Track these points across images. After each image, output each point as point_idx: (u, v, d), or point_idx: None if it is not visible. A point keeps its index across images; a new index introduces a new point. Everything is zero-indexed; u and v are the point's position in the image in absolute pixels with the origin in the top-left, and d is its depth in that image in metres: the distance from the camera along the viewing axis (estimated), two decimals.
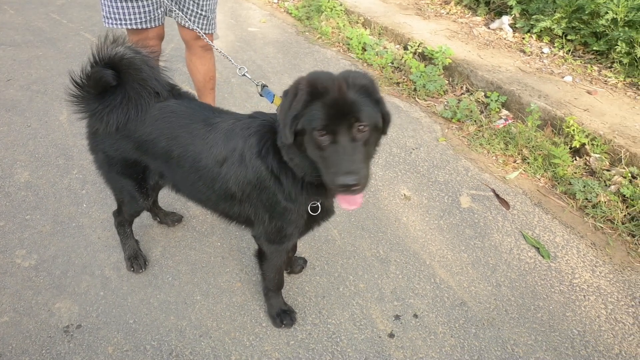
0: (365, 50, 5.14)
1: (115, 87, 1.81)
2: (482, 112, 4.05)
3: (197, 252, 2.51)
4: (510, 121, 3.82)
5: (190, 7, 2.63)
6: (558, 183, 3.19)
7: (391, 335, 2.16)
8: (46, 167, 3.08)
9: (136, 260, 2.37)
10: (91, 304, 2.22)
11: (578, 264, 2.59)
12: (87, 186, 2.93)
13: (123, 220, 2.33)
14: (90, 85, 1.82)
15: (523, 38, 4.91)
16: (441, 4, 6.02)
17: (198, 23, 2.70)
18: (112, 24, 2.52)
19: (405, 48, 4.95)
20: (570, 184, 3.12)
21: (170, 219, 2.64)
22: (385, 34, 5.38)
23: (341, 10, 5.90)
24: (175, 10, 2.49)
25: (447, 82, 4.50)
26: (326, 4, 5.95)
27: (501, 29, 5.18)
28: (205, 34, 2.79)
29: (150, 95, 1.83)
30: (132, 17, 2.51)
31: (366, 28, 5.61)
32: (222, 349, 2.05)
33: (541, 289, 2.43)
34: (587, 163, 3.31)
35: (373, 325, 2.20)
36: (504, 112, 3.99)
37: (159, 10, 2.58)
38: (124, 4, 2.46)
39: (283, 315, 2.15)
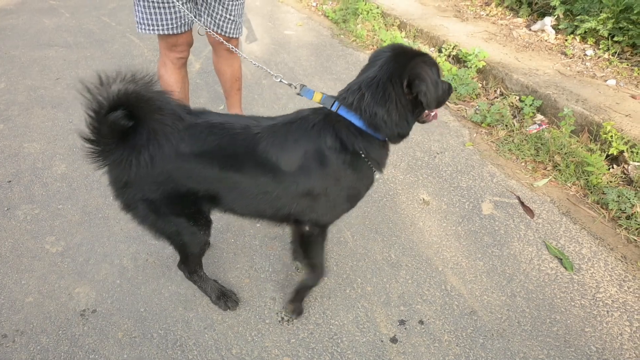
0: None
1: (133, 127, 1.60)
2: (514, 116, 3.90)
3: (211, 248, 2.58)
4: (544, 126, 3.65)
5: (219, 12, 2.71)
6: (590, 192, 3.02)
7: (394, 340, 2.12)
8: (82, 160, 3.27)
9: (227, 297, 2.24)
10: (107, 290, 2.33)
11: (604, 277, 2.44)
12: None
13: (193, 267, 2.16)
14: (105, 135, 1.58)
15: (566, 40, 4.68)
16: (482, 5, 5.86)
17: (226, 27, 2.77)
18: (145, 29, 2.61)
19: (440, 51, 4.85)
20: (603, 193, 2.94)
21: None
22: (421, 36, 5.30)
23: (377, 13, 5.87)
24: (197, 21, 2.54)
25: (480, 85, 4.37)
26: (363, 6, 5.95)
27: (543, 31, 4.97)
28: (231, 37, 2.86)
29: (174, 121, 1.66)
30: (164, 22, 2.59)
31: (402, 31, 5.55)
32: (224, 342, 2.10)
33: (560, 302, 2.31)
34: (625, 172, 3.11)
35: (376, 329, 2.17)
36: (539, 117, 3.82)
37: (188, 17, 2.67)
38: (156, 10, 2.54)
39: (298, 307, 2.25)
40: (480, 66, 4.33)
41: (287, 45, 5.48)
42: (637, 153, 3.08)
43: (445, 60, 4.64)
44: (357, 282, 2.41)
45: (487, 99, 4.22)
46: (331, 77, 4.69)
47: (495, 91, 4.26)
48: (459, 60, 4.61)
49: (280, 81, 2.20)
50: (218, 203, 1.88)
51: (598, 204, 2.94)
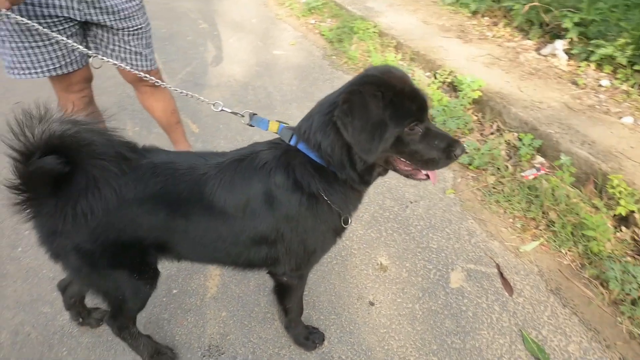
0: None
1: (70, 172, 1.38)
2: (510, 157, 3.35)
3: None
4: (543, 172, 3.09)
5: (118, 44, 2.30)
6: (589, 263, 2.45)
7: None
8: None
9: (162, 355, 1.96)
10: None
11: None
12: None
13: (124, 322, 1.86)
14: (36, 184, 1.37)
15: (578, 67, 4.09)
16: (489, 25, 5.31)
17: (131, 60, 2.38)
18: (20, 74, 2.16)
19: (435, 77, 4.35)
20: (606, 266, 2.37)
21: (94, 317, 2.14)
22: (417, 59, 4.80)
23: (374, 32, 5.41)
24: (93, 54, 2.05)
25: (475, 118, 3.84)
26: (359, 25, 5.51)
27: (554, 55, 4.38)
28: (143, 71, 2.45)
29: (119, 164, 1.46)
30: (44, 63, 2.16)
31: (398, 52, 5.07)
32: None
33: None
34: (636, 237, 2.52)
35: None
36: (539, 159, 3.26)
37: (75, 52, 2.24)
38: (29, 50, 2.11)
39: (312, 337, 2.07)
40: (476, 96, 3.80)
41: (273, 67, 5.08)
42: None
43: (438, 88, 4.12)
44: None
45: (481, 134, 3.68)
46: (311, 105, 4.25)
47: (491, 126, 3.71)
48: (455, 88, 4.09)
49: (222, 110, 1.90)
50: (169, 252, 1.68)
51: (597, 279, 2.37)
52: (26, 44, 2.10)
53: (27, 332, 2.11)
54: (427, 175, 1.58)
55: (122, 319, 1.84)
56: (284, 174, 1.53)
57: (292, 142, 1.56)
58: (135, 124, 3.82)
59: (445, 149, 1.48)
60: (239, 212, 1.55)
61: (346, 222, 1.68)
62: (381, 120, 1.39)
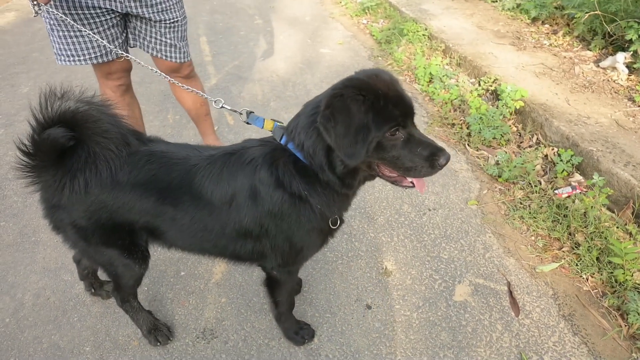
0: (431, 81, 4.50)
1: (74, 147, 1.51)
2: (545, 173, 3.17)
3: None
4: (578, 191, 2.90)
5: (154, 36, 2.44)
6: (612, 292, 2.27)
7: None
8: None
9: (158, 331, 2.06)
10: None
11: None
12: None
13: (125, 295, 1.97)
14: (43, 152, 1.50)
15: None
16: (547, 33, 5.03)
17: (166, 51, 2.50)
18: (65, 61, 2.37)
19: (479, 84, 4.19)
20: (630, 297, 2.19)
21: (105, 290, 2.28)
22: (464, 64, 4.66)
23: (424, 35, 5.31)
24: (113, 48, 2.17)
25: (515, 129, 3.66)
26: (410, 27, 5.43)
27: (614, 69, 4.08)
28: (179, 63, 2.58)
29: (119, 146, 1.57)
30: (86, 52, 2.35)
31: (446, 56, 4.94)
32: None
33: None
34: None
35: None
36: (577, 177, 3.06)
37: (116, 42, 2.40)
38: (74, 39, 2.30)
39: (302, 332, 2.07)
40: (517, 106, 3.62)
41: (317, 65, 5.13)
42: None
43: (479, 95, 3.98)
44: None
45: (518, 147, 3.51)
46: None
47: (530, 138, 3.53)
48: (498, 96, 3.93)
49: (222, 107, 1.98)
50: (159, 238, 1.76)
51: (617, 310, 2.19)
52: (71, 33, 2.29)
53: (47, 296, 2.31)
54: (413, 183, 1.55)
55: (122, 292, 1.96)
56: (268, 171, 1.56)
57: (282, 141, 1.58)
58: (177, 113, 4.02)
59: (428, 157, 1.43)
60: (225, 205, 1.59)
61: (334, 224, 1.68)
62: (364, 124, 1.36)
